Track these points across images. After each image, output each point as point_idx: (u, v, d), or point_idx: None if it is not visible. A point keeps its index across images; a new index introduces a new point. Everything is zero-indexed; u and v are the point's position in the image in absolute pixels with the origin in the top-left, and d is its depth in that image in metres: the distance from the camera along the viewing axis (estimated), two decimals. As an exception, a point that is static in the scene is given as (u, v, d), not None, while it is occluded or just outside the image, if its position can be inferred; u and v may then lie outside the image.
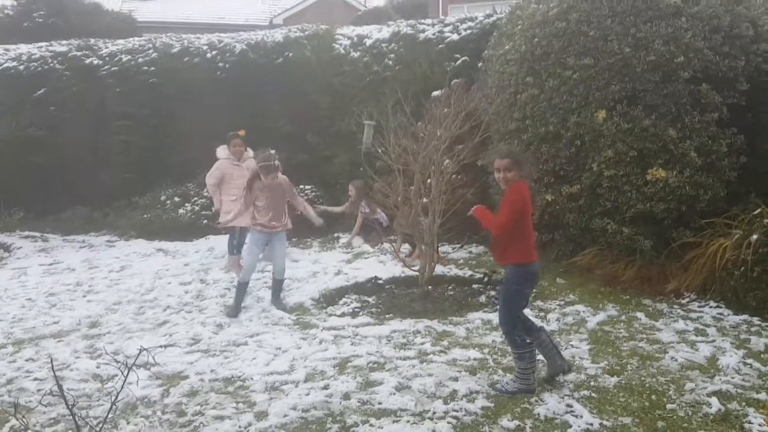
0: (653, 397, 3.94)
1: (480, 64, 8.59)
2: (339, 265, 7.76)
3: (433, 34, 9.65)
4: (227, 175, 7.64)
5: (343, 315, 5.99)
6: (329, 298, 6.55)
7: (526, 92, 6.97)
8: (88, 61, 11.46)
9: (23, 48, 12.06)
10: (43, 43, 12.14)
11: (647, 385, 4.11)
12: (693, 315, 5.47)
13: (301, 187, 10.01)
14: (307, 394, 4.11)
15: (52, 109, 11.33)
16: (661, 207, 6.18)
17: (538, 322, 4.65)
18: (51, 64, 11.49)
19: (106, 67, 11.27)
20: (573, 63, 6.52)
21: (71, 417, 3.83)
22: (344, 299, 6.52)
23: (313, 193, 10.00)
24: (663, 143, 6.18)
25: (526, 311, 4.58)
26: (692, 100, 6.21)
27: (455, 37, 9.43)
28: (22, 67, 11.56)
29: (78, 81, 11.36)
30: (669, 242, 6.24)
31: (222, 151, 7.79)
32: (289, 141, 10.53)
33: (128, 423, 3.86)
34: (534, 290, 6.29)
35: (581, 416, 3.69)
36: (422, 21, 10.07)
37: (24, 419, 3.10)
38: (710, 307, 5.62)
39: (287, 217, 6.52)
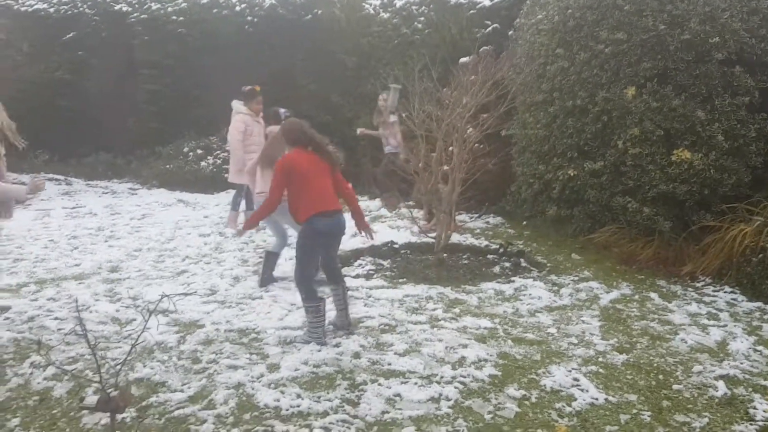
0: (660, 376, 3.97)
1: (510, 33, 8.47)
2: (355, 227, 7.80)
3: (465, -1, 9.50)
4: (248, 130, 7.32)
5: (357, 276, 6.06)
6: (344, 260, 6.58)
7: (555, 64, 6.88)
8: (117, 7, 11.47)
9: (54, -10, 12.07)
10: (74, -14, 12.13)
11: (655, 364, 4.14)
12: (707, 299, 5.46)
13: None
14: (319, 351, 4.20)
15: (81, 54, 11.40)
16: (683, 189, 6.13)
17: (341, 276, 4.79)
18: (81, 8, 11.52)
19: (135, 14, 11.27)
20: (606, 37, 6.40)
21: (89, 357, 3.97)
22: (359, 261, 6.57)
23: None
24: (691, 124, 6.09)
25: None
26: (724, 82, 6.09)
27: (487, 2, 9.28)
28: (52, 10, 11.59)
29: (107, 27, 11.40)
30: (688, 224, 6.20)
31: (240, 105, 7.41)
32: (313, 100, 10.53)
33: (144, 366, 3.96)
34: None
35: (587, 390, 3.74)
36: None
37: (47, 355, 3.20)
38: (725, 292, 5.60)
39: None
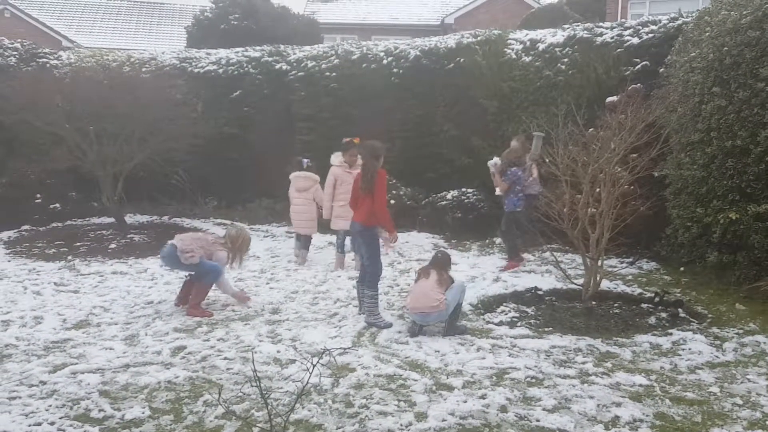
0: (843, 449, 3.61)
1: (661, 70, 8.17)
2: (497, 271, 7.81)
3: (612, 38, 9.28)
4: (338, 181, 8.21)
5: (500, 324, 6.03)
6: (487, 305, 6.59)
7: (712, 102, 6.55)
8: (278, 66, 12.46)
9: (222, 53, 13.35)
10: (240, 49, 13.35)
11: (836, 434, 3.76)
12: None
13: (463, 189, 10.20)
14: (465, 402, 4.25)
15: (246, 110, 12.47)
16: None
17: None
18: (246, 69, 12.62)
19: (293, 72, 12.19)
20: (767, 74, 6.01)
21: (255, 396, 4.32)
22: (502, 307, 6.52)
23: (475, 197, 10.12)
24: None
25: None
26: None
27: (635, 40, 9.00)
28: (221, 71, 12.80)
29: (269, 85, 12.39)
30: None
31: (335, 158, 8.30)
32: (453, 144, 10.77)
33: (303, 408, 4.23)
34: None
35: (754, 459, 3.49)
36: (600, 24, 9.73)
37: (220, 399, 3.55)
38: None
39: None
